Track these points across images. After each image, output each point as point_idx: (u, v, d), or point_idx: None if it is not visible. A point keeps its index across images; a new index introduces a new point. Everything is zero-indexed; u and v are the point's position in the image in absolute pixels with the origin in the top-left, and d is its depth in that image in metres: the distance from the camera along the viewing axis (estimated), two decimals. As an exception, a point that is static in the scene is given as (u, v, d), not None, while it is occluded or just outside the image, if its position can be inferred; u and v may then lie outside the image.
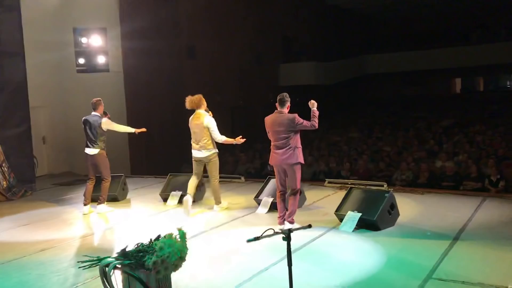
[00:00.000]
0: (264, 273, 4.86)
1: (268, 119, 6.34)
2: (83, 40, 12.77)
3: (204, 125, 7.17)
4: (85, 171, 8.29)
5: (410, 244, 5.62)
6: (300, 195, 7.51)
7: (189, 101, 7.33)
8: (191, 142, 7.37)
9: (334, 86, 23.36)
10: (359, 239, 5.87)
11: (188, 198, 7.20)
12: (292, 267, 3.40)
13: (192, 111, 7.43)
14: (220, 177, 10.42)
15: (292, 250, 3.40)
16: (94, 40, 12.74)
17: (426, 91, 26.58)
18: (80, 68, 12.96)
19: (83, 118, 7.79)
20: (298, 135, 6.25)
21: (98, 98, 7.83)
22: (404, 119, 20.05)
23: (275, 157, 6.26)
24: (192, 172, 7.57)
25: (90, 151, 7.68)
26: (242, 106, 18.19)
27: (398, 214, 6.45)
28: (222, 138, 7.30)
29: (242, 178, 10.08)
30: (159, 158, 14.05)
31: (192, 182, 7.43)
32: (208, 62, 16.73)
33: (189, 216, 7.15)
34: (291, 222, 6.23)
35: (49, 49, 12.11)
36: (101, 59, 12.91)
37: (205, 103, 7.36)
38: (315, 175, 12.03)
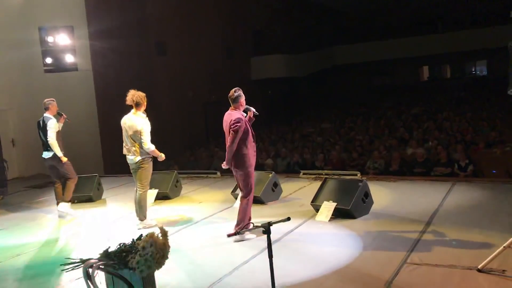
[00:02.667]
0: (244, 266, 4.93)
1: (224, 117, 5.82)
2: (50, 39, 12.47)
3: (138, 128, 6.29)
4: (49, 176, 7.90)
5: (385, 230, 5.77)
6: (274, 191, 7.61)
7: (131, 95, 6.36)
8: (123, 146, 6.54)
9: (305, 78, 23.57)
10: (335, 228, 6.00)
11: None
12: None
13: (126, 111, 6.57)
14: (195, 173, 10.52)
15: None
16: (61, 39, 12.46)
17: (394, 80, 27.09)
18: (48, 68, 12.68)
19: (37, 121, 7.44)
20: (245, 137, 5.62)
21: (51, 99, 7.41)
22: (375, 108, 20.39)
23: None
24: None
25: (45, 154, 7.34)
26: (214, 101, 18.17)
27: (372, 202, 6.61)
28: (150, 147, 6.33)
29: (218, 173, 10.12)
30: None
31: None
32: (179, 58, 16.65)
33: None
34: (239, 233, 5.48)
35: (14, 49, 11.86)
36: (69, 58, 12.65)
37: (145, 104, 6.46)
38: (289, 166, 12.16)
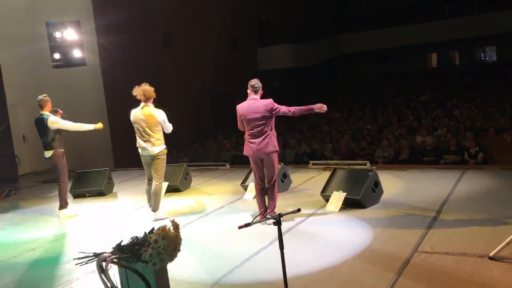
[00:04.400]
0: (255, 257, 4.96)
1: (242, 107, 5.95)
2: (57, 34, 12.59)
3: (158, 120, 6.47)
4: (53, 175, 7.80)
5: (395, 219, 5.77)
6: (283, 182, 7.65)
7: (141, 91, 6.42)
8: (137, 139, 6.56)
9: (312, 67, 23.45)
10: (345, 218, 6.01)
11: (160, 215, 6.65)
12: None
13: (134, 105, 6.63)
14: (205, 165, 10.57)
15: (281, 232, 3.50)
16: (69, 34, 12.56)
17: (403, 67, 26.86)
18: (56, 63, 12.80)
19: (34, 119, 7.27)
20: (273, 123, 5.96)
21: (44, 95, 7.23)
22: (383, 96, 20.28)
23: (252, 147, 5.92)
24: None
25: (45, 154, 7.19)
26: (221, 92, 18.18)
27: (382, 191, 6.61)
28: (170, 127, 6.66)
29: (227, 165, 10.15)
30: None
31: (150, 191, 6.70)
32: (185, 50, 16.64)
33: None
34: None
35: (23, 45, 11.94)
36: (77, 53, 12.75)
37: (154, 97, 6.56)
38: (298, 157, 12.16)
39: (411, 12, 24.93)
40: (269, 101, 5.86)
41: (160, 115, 6.52)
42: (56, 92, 11.85)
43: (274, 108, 5.83)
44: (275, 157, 6.01)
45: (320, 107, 5.97)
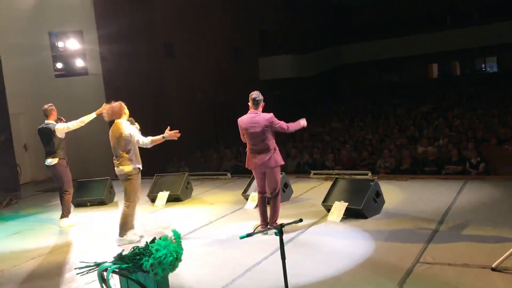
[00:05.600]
0: (257, 267, 4.94)
1: (242, 120, 5.90)
2: (60, 44, 12.66)
3: (124, 136, 5.98)
4: (54, 184, 7.71)
5: (397, 230, 5.76)
6: (284, 191, 7.64)
7: (105, 111, 6.17)
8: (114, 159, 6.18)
9: (313, 77, 23.53)
10: (347, 228, 5.99)
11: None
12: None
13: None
14: (206, 175, 10.56)
15: (282, 242, 3.49)
16: (71, 44, 12.64)
17: (404, 77, 26.93)
18: (58, 73, 12.85)
19: (38, 128, 7.28)
20: (273, 136, 5.92)
21: (50, 104, 7.26)
22: (384, 106, 20.31)
23: (254, 162, 5.89)
24: None
25: (49, 162, 7.13)
26: (223, 102, 18.22)
27: (383, 202, 6.60)
28: (148, 140, 6.01)
29: (228, 175, 10.14)
30: (143, 159, 13.98)
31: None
32: (187, 60, 16.72)
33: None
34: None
35: (25, 54, 12.00)
36: (79, 63, 12.82)
37: (126, 112, 6.19)
38: (299, 167, 12.15)
39: (412, 22, 25.04)
40: (270, 115, 5.81)
41: (127, 130, 6.01)
42: (58, 102, 11.75)
43: (275, 122, 5.80)
44: (278, 170, 5.98)
45: (304, 123, 6.14)
